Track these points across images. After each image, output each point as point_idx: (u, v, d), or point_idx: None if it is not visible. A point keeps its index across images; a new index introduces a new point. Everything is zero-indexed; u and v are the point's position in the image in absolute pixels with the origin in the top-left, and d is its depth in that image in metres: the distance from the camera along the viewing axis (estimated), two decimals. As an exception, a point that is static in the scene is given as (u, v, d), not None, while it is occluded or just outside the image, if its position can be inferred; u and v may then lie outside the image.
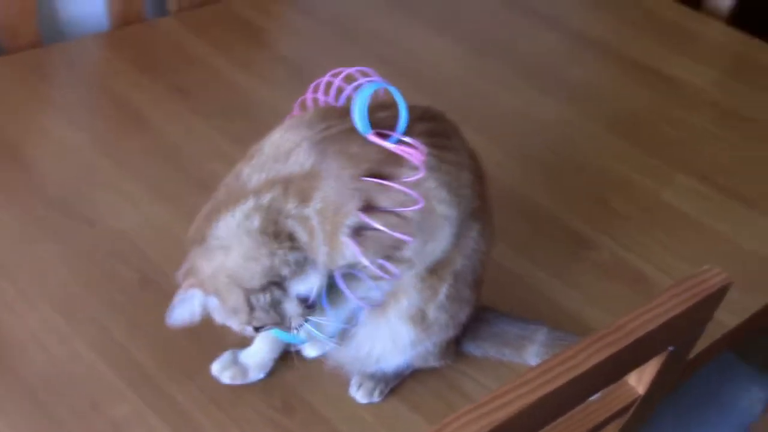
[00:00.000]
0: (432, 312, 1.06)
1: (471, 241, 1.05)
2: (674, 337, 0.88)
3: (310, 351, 1.15)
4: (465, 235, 1.04)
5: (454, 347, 1.15)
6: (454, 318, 1.09)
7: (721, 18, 2.10)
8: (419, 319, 1.06)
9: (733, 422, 1.53)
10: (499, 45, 1.87)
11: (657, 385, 0.93)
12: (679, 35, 1.97)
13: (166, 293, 1.21)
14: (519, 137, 1.61)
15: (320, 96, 1.05)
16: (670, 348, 0.89)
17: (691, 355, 1.21)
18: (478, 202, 1.05)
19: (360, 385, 1.12)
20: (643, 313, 0.83)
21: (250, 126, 1.49)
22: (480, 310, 1.16)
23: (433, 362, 1.13)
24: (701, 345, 1.23)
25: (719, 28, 2.03)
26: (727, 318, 1.29)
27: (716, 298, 0.89)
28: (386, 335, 1.07)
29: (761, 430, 1.39)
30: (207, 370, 1.11)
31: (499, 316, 1.20)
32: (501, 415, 0.72)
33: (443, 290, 1.05)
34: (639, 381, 0.93)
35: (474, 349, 1.18)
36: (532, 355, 1.17)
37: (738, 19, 2.12)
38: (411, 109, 0.97)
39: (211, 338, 1.15)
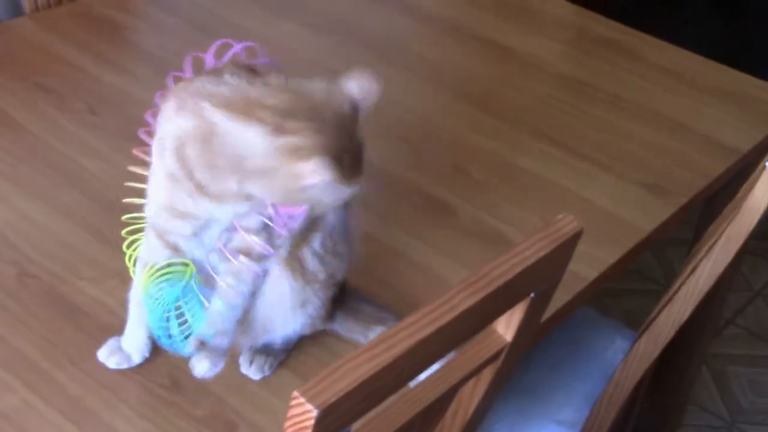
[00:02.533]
0: (310, 261, 1.11)
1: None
2: (535, 282, 0.96)
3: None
4: None
5: (333, 309, 1.20)
6: (333, 274, 1.14)
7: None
8: (298, 267, 1.11)
9: (599, 370, 1.63)
10: (350, 27, 1.93)
11: (523, 330, 1.00)
12: (522, 12, 2.07)
13: (44, 285, 1.23)
14: (379, 116, 1.66)
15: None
16: (533, 294, 0.97)
17: (556, 308, 1.31)
18: None
19: (251, 362, 1.16)
20: (504, 261, 0.90)
21: (118, 121, 1.52)
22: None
23: (320, 326, 1.18)
24: (564, 297, 1.33)
25: (559, 3, 2.14)
26: (586, 271, 1.38)
27: (571, 243, 0.97)
28: (272, 293, 1.11)
29: (622, 377, 1.49)
30: (93, 357, 1.14)
31: (353, 294, 1.25)
32: (385, 358, 0.78)
33: (317, 239, 1.10)
34: (507, 328, 1.00)
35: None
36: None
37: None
38: None
39: (92, 326, 1.18)
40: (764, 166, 1.22)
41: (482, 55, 1.91)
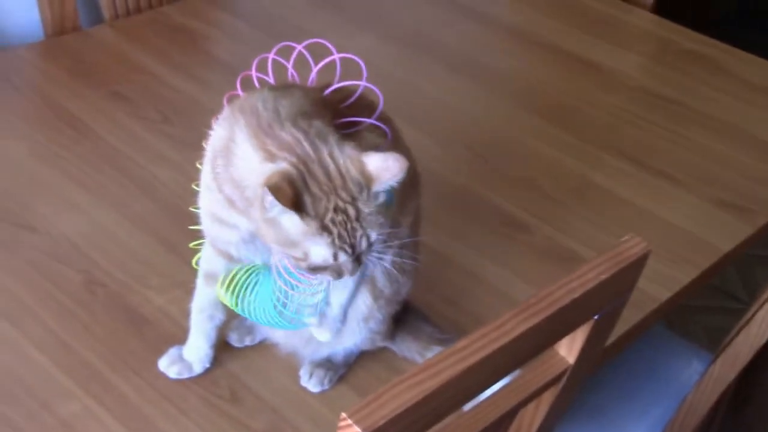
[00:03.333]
0: (380, 279, 1.10)
1: (414, 207, 1.10)
2: (598, 305, 0.93)
3: (320, 334, 1.11)
4: (409, 202, 1.09)
5: (393, 327, 1.19)
6: (399, 290, 1.13)
7: (646, 7, 2.16)
8: (371, 285, 1.10)
9: (673, 393, 1.58)
10: (424, 39, 1.91)
11: (586, 353, 0.98)
12: (604, 24, 2.03)
13: (111, 293, 1.24)
14: (451, 128, 1.65)
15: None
16: (596, 316, 0.94)
17: (626, 328, 1.27)
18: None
19: (311, 375, 1.15)
20: (566, 282, 0.87)
21: (191, 130, 1.52)
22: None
23: (380, 342, 1.17)
24: (634, 318, 1.30)
25: (644, 16, 2.09)
26: (659, 291, 1.34)
27: (637, 265, 0.93)
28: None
29: (695, 400, 1.45)
30: (154, 366, 1.14)
31: (414, 312, 1.23)
32: (432, 384, 0.76)
33: (388, 257, 1.07)
34: (569, 351, 0.97)
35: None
36: None
37: (661, 7, 2.19)
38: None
39: (155, 335, 1.19)
40: None
41: (560, 67, 1.88)
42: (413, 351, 1.20)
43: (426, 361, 0.77)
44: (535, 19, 2.02)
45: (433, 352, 1.17)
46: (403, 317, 1.19)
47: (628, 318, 1.28)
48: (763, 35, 3.46)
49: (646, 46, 1.98)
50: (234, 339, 1.19)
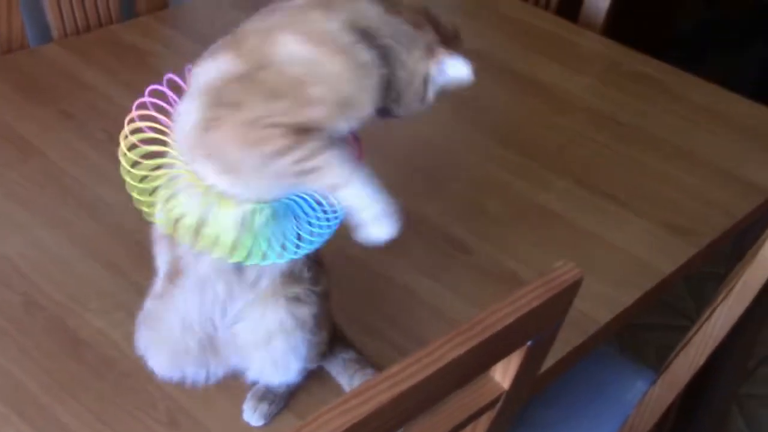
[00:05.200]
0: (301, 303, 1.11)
1: None
2: (532, 331, 0.93)
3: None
4: None
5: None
6: (321, 313, 1.14)
7: (596, 29, 2.18)
8: (292, 308, 1.11)
9: (617, 413, 1.59)
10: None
11: (521, 378, 0.98)
12: (555, 45, 2.05)
13: (51, 316, 1.23)
14: (399, 149, 1.65)
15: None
16: (529, 342, 0.94)
17: (566, 351, 1.28)
18: None
19: (255, 410, 1.14)
20: (498, 309, 0.88)
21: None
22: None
23: (319, 360, 1.18)
24: (576, 340, 1.31)
25: (593, 38, 2.11)
26: (600, 313, 1.35)
27: (570, 291, 0.94)
28: (263, 336, 1.11)
29: (635, 421, 1.46)
30: (92, 390, 1.13)
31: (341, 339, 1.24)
32: (363, 411, 0.76)
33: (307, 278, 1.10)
34: (504, 376, 0.98)
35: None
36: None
37: (612, 29, 2.22)
38: None
39: (94, 358, 1.18)
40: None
41: (510, 88, 1.89)
42: (343, 378, 1.21)
43: (357, 387, 0.77)
44: (485, 40, 2.03)
45: (361, 379, 1.18)
46: (334, 341, 1.20)
47: (570, 340, 1.30)
48: (718, 57, 3.51)
49: (595, 68, 1.99)
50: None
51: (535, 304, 0.89)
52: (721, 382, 1.91)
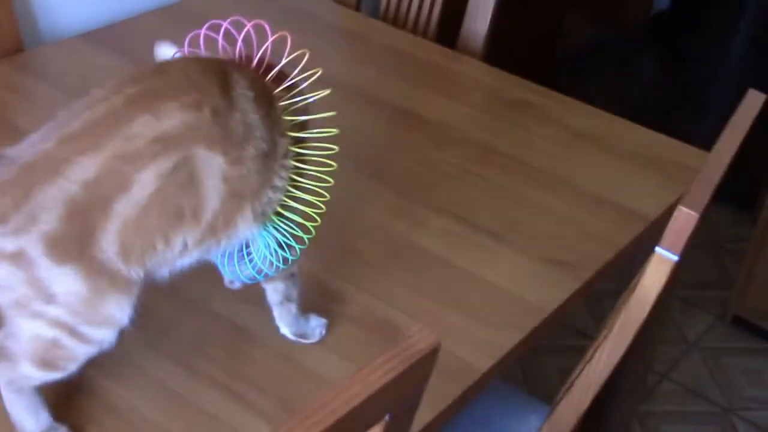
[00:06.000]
0: None
1: None
2: (387, 406, 0.87)
3: None
4: None
5: None
6: None
7: (476, 54, 2.15)
8: None
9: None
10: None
11: (383, 453, 0.92)
12: (433, 74, 2.00)
13: None
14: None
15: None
16: (387, 417, 0.88)
17: (446, 404, 1.23)
18: None
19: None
20: (345, 389, 0.81)
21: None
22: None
23: None
24: (454, 391, 1.25)
25: (473, 64, 2.07)
26: (481, 360, 1.30)
27: (427, 361, 0.88)
28: None
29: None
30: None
31: None
32: None
33: None
34: (365, 452, 0.91)
35: None
36: None
37: (492, 54, 2.18)
38: None
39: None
40: (654, 252, 1.15)
41: (385, 121, 1.83)
42: None
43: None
44: (358, 72, 1.98)
45: None
46: None
47: (449, 391, 1.24)
48: (605, 78, 3.53)
49: (474, 96, 1.95)
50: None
51: (387, 378, 0.83)
52: (620, 403, 1.88)
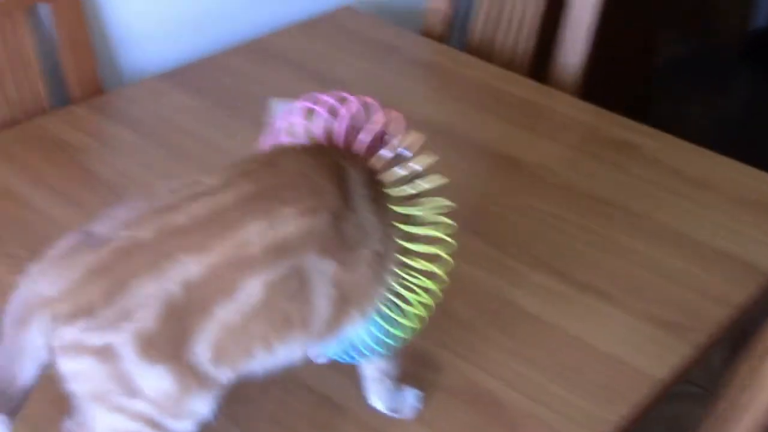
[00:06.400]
0: None
1: None
2: None
3: None
4: None
5: None
6: None
7: (570, 89, 2.04)
8: None
9: None
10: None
11: None
12: (526, 112, 1.89)
13: None
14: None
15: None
16: None
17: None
18: None
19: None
20: None
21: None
22: None
23: None
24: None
25: (567, 101, 1.95)
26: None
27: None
28: None
29: None
30: None
31: None
32: None
33: None
34: None
35: None
36: None
37: (587, 91, 2.07)
38: None
39: None
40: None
41: (475, 164, 1.72)
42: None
43: None
44: (447, 110, 1.88)
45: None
46: None
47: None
48: (701, 96, 3.37)
49: (569, 136, 1.83)
50: None
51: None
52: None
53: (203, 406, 0.96)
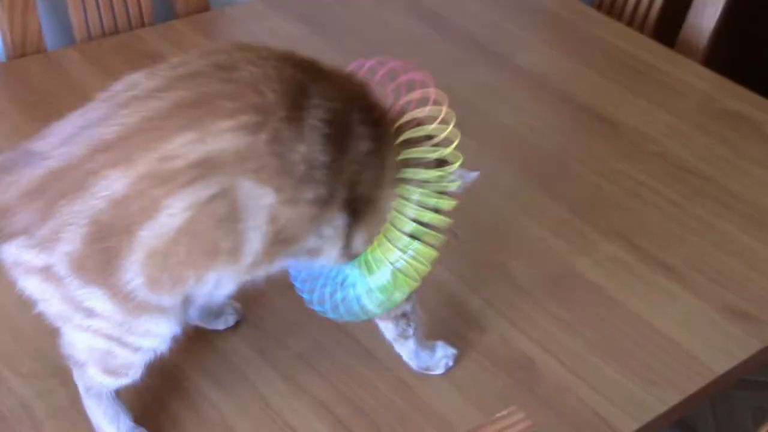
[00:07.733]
0: None
1: None
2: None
3: None
4: None
5: None
6: None
7: (696, 54, 1.92)
8: None
9: None
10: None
11: None
12: (642, 75, 1.78)
13: None
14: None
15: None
16: None
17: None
18: None
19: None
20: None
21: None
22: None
23: None
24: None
25: (689, 66, 1.83)
26: (624, 422, 1.13)
27: (515, 451, 0.73)
28: None
29: None
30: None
31: None
32: None
33: None
34: None
35: None
36: None
37: (713, 54, 1.94)
38: None
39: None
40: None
41: (572, 123, 1.65)
42: None
43: None
44: (555, 61, 1.80)
45: None
46: None
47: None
48: None
49: (681, 104, 1.72)
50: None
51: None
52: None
53: (158, 326, 0.93)
